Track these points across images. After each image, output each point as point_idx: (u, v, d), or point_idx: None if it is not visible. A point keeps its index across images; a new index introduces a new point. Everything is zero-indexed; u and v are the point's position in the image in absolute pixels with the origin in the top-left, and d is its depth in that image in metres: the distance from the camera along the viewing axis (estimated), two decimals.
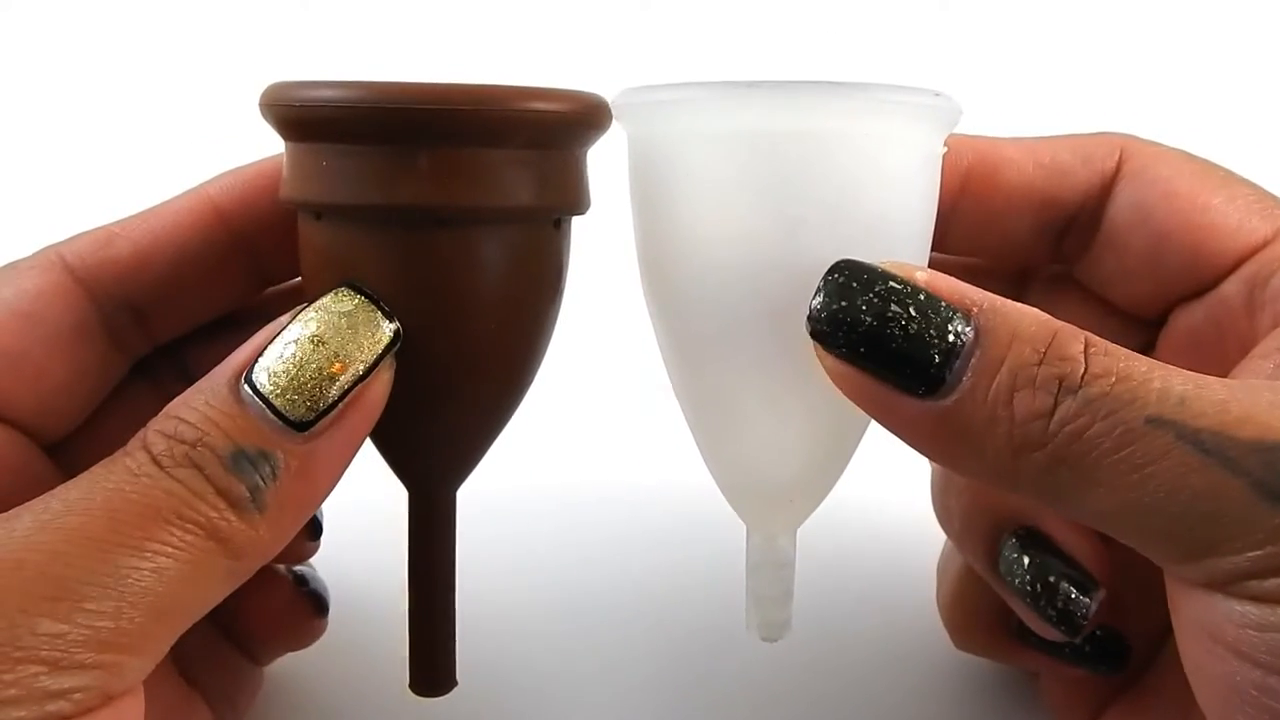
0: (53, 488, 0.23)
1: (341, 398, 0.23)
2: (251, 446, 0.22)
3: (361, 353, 0.23)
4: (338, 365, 0.23)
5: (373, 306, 0.24)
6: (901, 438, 0.23)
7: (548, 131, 0.24)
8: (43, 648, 0.19)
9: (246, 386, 0.22)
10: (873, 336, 0.22)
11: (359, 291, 0.24)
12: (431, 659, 0.27)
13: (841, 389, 0.23)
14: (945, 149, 0.26)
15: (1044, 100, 0.51)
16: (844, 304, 0.22)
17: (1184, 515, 0.21)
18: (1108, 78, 0.52)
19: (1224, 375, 0.24)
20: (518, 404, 0.27)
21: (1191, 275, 0.27)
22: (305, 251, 0.25)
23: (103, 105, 0.49)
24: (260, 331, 0.23)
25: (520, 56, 0.53)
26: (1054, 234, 0.29)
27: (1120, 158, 0.28)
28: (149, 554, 0.21)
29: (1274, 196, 0.27)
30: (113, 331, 0.27)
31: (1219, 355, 0.27)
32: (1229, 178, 0.27)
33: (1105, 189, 0.28)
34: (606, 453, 0.41)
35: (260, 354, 0.23)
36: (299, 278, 0.26)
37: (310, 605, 0.31)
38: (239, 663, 0.31)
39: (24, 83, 0.51)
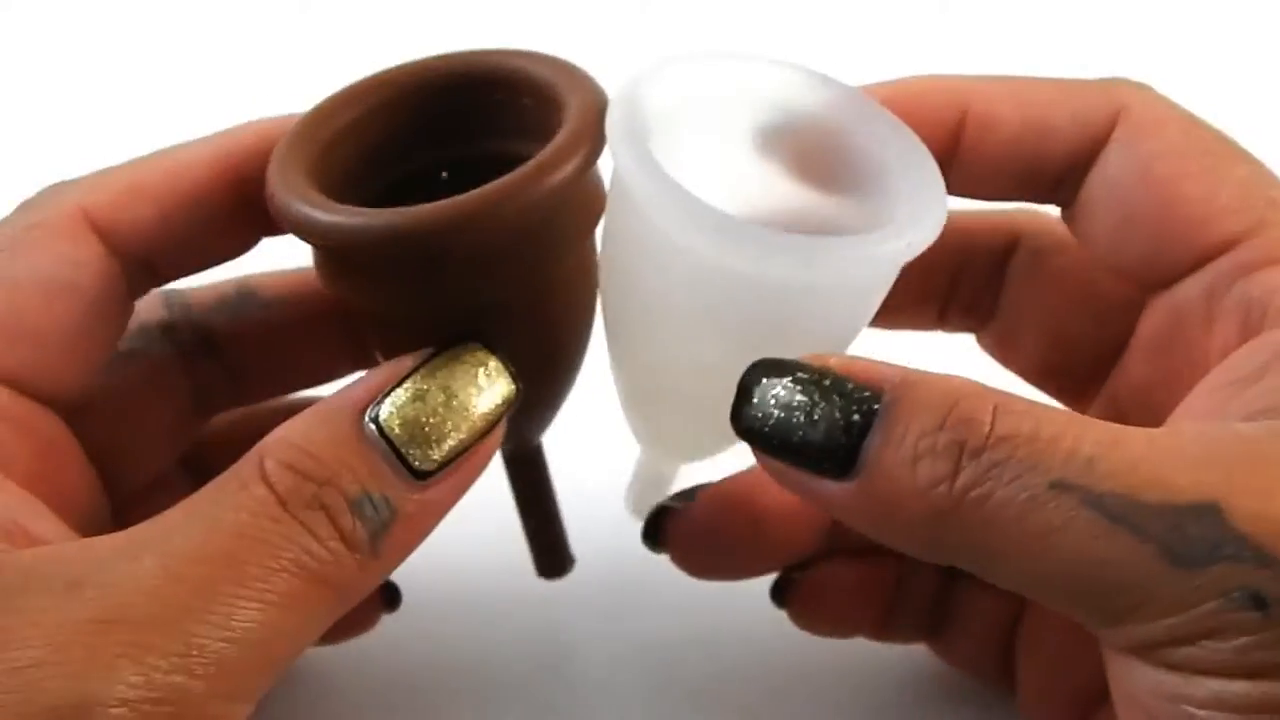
0: (69, 452, 0.23)
1: (462, 451, 0.23)
2: (376, 491, 0.22)
3: (487, 409, 0.23)
4: (464, 420, 0.23)
5: (502, 368, 0.24)
6: (833, 515, 0.23)
7: (551, 208, 0.24)
8: (174, 698, 0.19)
9: (372, 427, 0.22)
10: (780, 428, 0.22)
11: (491, 351, 0.24)
12: (553, 550, 0.31)
13: (771, 477, 0.23)
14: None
15: None
16: (755, 401, 0.22)
17: (1096, 583, 0.20)
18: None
19: (1186, 382, 0.24)
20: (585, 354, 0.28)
21: (1153, 267, 0.26)
22: (358, 318, 0.26)
23: (106, 108, 0.49)
24: (380, 370, 0.23)
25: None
26: (1045, 190, 0.27)
27: (1117, 119, 0.26)
28: (272, 607, 0.20)
29: (1276, 182, 0.25)
30: (132, 288, 0.26)
31: (1179, 362, 0.25)
32: (1225, 158, 0.25)
33: (1093, 152, 0.26)
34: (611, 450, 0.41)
35: (383, 394, 0.23)
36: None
37: (383, 596, 0.31)
38: None
39: (26, 85, 0.51)
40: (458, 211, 0.22)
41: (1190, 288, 0.25)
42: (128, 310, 0.26)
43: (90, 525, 0.25)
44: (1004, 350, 0.31)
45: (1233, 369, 0.23)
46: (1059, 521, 0.20)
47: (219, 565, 0.20)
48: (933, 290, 0.30)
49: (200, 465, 0.30)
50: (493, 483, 0.26)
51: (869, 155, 0.25)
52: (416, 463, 0.22)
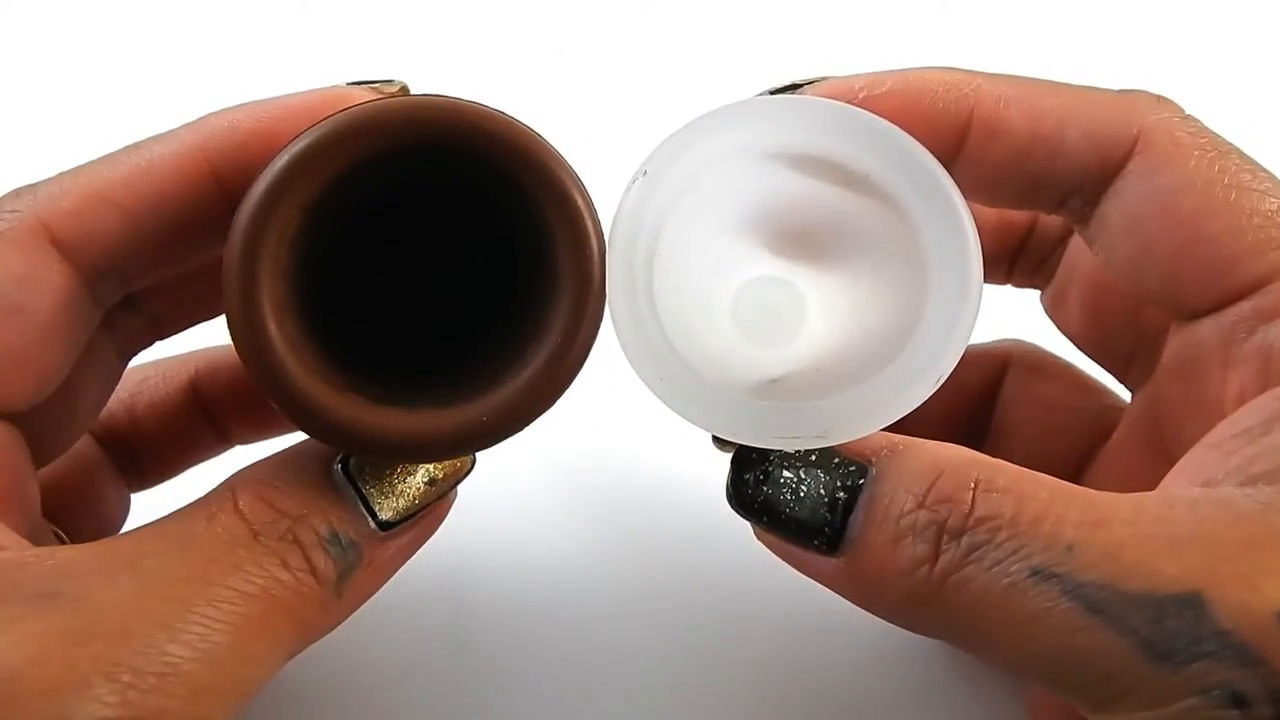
0: (21, 460, 0.23)
1: (423, 508, 0.24)
2: (345, 533, 0.22)
3: (449, 473, 0.24)
4: (428, 479, 0.24)
5: None
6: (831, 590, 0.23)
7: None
8: (149, 718, 0.19)
9: (341, 474, 0.23)
10: (770, 505, 0.23)
11: None
12: None
13: (766, 546, 0.24)
14: None
15: None
16: (746, 477, 0.23)
17: (1078, 672, 0.20)
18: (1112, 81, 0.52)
19: (1202, 420, 0.23)
20: None
21: (1171, 301, 0.25)
22: None
23: (103, 108, 0.49)
24: None
25: (520, 60, 0.53)
26: (1050, 205, 0.26)
27: (1135, 146, 0.24)
28: (241, 632, 0.20)
29: None
30: (96, 298, 0.25)
31: (1196, 399, 0.25)
32: (1250, 191, 0.23)
33: (1105, 173, 0.25)
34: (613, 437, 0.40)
35: None
36: None
37: None
38: None
39: (24, 83, 0.51)
40: (488, 425, 0.22)
41: (1209, 328, 0.24)
42: (91, 322, 0.25)
43: (34, 526, 0.25)
44: (1055, 312, 0.31)
45: (1240, 421, 0.22)
46: (1040, 611, 0.19)
47: (193, 585, 0.20)
48: (1005, 246, 0.30)
49: None
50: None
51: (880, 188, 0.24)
52: (381, 514, 0.23)
